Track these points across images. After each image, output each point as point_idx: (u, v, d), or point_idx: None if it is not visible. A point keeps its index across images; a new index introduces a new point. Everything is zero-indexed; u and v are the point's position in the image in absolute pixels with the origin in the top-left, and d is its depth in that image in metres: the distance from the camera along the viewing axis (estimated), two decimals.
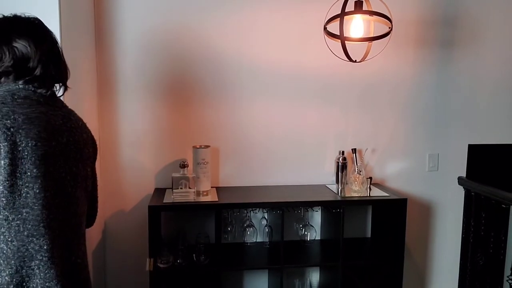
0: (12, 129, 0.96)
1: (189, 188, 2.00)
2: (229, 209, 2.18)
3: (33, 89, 1.07)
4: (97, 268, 2.12)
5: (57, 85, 1.17)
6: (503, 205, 2.23)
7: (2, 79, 1.07)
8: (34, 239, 1.00)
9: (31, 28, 1.11)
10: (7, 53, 1.06)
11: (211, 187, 2.19)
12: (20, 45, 1.06)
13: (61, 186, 1.06)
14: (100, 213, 2.18)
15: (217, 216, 1.99)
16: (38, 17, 1.16)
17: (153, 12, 2.15)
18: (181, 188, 1.99)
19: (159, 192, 2.17)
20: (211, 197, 2.07)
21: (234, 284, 2.38)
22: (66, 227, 1.08)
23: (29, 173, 0.98)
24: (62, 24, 1.57)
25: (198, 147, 2.12)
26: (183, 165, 2.02)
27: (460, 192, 2.47)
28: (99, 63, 2.15)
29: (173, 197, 1.99)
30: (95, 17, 2.12)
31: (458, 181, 2.48)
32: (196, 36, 2.19)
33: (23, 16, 1.12)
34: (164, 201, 1.99)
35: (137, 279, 2.25)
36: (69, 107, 1.20)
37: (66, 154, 1.08)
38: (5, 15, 1.11)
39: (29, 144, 0.98)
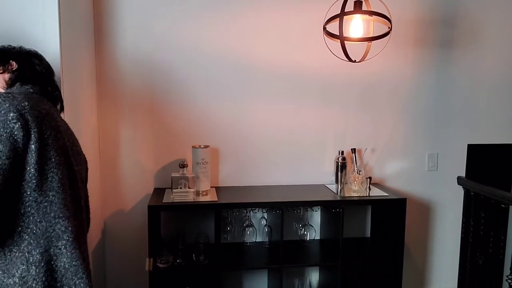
0: (39, 118, 1.05)
1: (189, 188, 2.00)
2: (229, 209, 2.18)
3: (40, 93, 1.18)
4: (97, 268, 2.12)
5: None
6: (502, 205, 2.23)
7: (18, 83, 1.18)
8: (60, 220, 1.08)
9: (39, 56, 1.27)
10: (26, 63, 1.21)
11: (211, 187, 2.19)
12: (37, 62, 1.23)
13: (73, 180, 1.16)
14: (99, 213, 2.19)
15: (216, 216, 1.99)
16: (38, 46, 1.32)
17: (152, 14, 2.15)
18: (180, 188, 1.99)
19: (159, 192, 2.17)
20: (211, 197, 2.07)
21: (233, 284, 2.38)
22: (76, 220, 1.15)
23: (53, 159, 1.07)
24: (62, 25, 1.57)
25: (197, 147, 2.12)
26: (183, 165, 2.02)
27: (460, 191, 2.47)
28: (99, 63, 2.15)
29: (173, 197, 1.99)
30: (94, 19, 2.11)
31: (458, 181, 2.49)
32: (195, 36, 2.19)
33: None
34: (163, 201, 1.99)
35: (136, 279, 2.25)
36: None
37: (73, 152, 1.19)
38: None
39: (52, 134, 1.08)
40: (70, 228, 1.09)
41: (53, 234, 1.07)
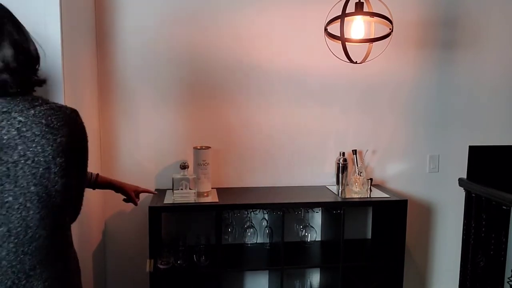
0: None
1: (190, 189, 1.99)
2: (230, 210, 2.18)
3: None
4: (97, 269, 2.12)
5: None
6: (503, 207, 2.22)
7: None
8: None
9: None
10: None
11: (212, 188, 2.19)
12: None
13: (4, 213, 0.91)
14: (100, 213, 2.19)
15: (217, 217, 1.99)
16: None
17: (154, 12, 2.15)
18: (181, 189, 1.99)
19: (160, 193, 2.16)
20: (212, 198, 2.07)
21: (234, 285, 2.38)
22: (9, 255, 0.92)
23: None
24: (63, 24, 1.57)
25: (198, 148, 2.12)
26: (184, 166, 2.01)
27: (461, 193, 2.47)
28: (100, 63, 2.15)
29: (174, 198, 1.99)
30: (95, 16, 2.12)
31: (459, 183, 2.48)
32: (197, 37, 2.19)
33: None
34: (164, 202, 1.99)
35: (137, 280, 2.25)
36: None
37: (16, 174, 0.91)
38: None
39: None
40: None
41: None
